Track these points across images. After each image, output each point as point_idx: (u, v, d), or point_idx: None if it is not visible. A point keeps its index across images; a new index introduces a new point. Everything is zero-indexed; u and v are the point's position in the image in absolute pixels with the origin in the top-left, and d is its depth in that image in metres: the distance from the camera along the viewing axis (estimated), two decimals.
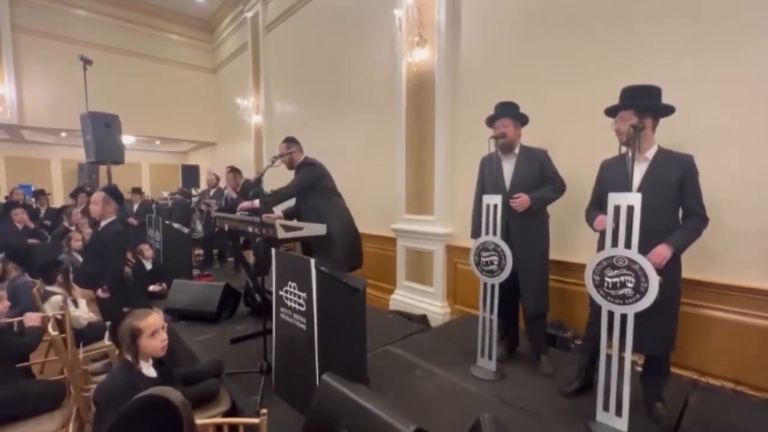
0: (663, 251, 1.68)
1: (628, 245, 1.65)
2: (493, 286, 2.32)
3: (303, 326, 1.93)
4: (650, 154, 1.81)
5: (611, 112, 1.88)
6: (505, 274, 2.25)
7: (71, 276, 2.99)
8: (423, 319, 3.43)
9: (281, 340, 2.14)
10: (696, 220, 1.76)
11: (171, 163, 10.98)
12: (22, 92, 6.87)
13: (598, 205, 1.98)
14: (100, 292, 2.83)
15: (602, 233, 1.88)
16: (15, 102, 6.75)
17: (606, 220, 1.72)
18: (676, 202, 1.79)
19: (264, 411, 1.20)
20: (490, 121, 2.45)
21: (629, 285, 1.65)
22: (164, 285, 3.95)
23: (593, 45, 2.63)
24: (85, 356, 2.54)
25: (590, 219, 1.98)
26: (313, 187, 2.84)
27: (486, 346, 2.36)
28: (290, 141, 2.95)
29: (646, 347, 1.81)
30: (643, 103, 1.78)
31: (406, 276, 3.85)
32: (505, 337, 2.59)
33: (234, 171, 4.90)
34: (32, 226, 4.83)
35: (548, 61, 2.86)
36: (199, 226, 5.99)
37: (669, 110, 1.80)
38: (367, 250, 4.45)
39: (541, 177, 2.37)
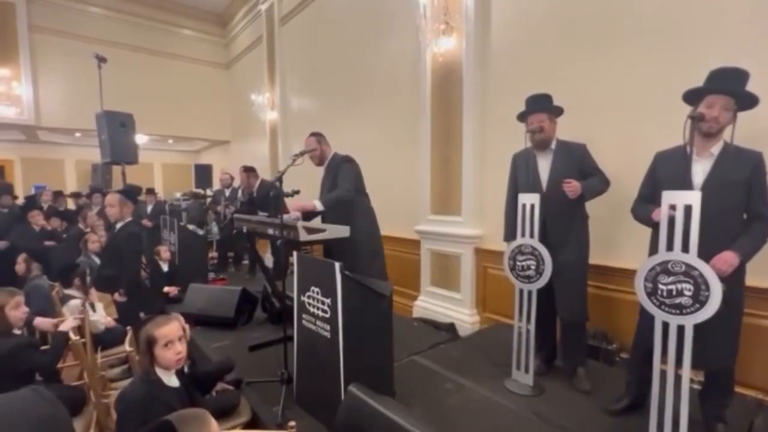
0: (730, 258, 1.60)
1: (685, 249, 1.58)
2: (530, 292, 2.27)
3: (327, 334, 1.94)
4: (716, 149, 1.72)
5: (697, 95, 1.71)
6: (544, 280, 2.21)
7: (88, 279, 3.11)
8: (450, 328, 3.40)
9: (303, 348, 2.16)
10: (763, 224, 1.67)
11: (184, 163, 11.30)
12: (38, 92, 7.23)
13: (649, 201, 1.90)
14: (116, 296, 2.93)
15: (654, 236, 1.81)
16: (32, 103, 7.11)
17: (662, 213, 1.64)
18: (743, 205, 1.70)
19: (292, 423, 1.21)
20: (522, 117, 2.41)
21: (687, 293, 1.58)
22: (175, 288, 4.07)
23: (636, 28, 2.53)
24: (103, 361, 2.64)
25: (642, 213, 1.89)
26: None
27: (522, 358, 2.32)
28: (320, 135, 3.03)
29: (705, 362, 1.73)
30: (740, 90, 1.63)
31: (431, 281, 3.83)
32: (543, 348, 2.53)
33: (248, 170, 4.93)
34: (49, 228, 5.06)
35: (586, 47, 2.78)
36: (214, 228, 6.13)
37: (753, 101, 1.67)
38: (388, 254, 4.44)
39: (581, 174, 2.31)
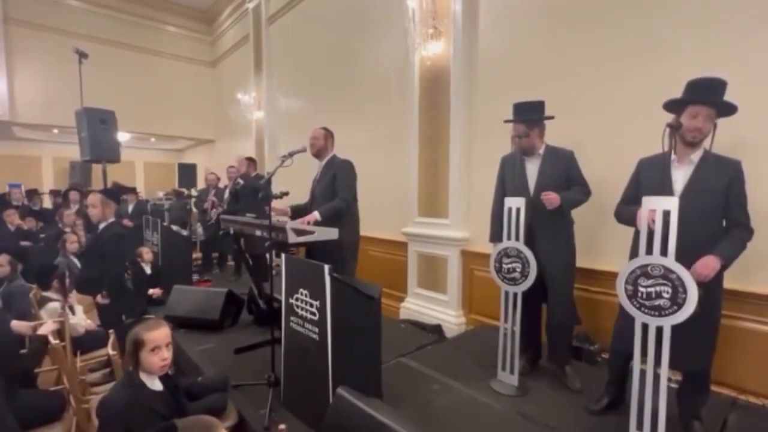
0: (712, 262, 1.65)
1: (664, 253, 1.64)
2: (515, 295, 2.32)
3: (315, 336, 1.94)
4: (696, 157, 1.78)
5: (680, 105, 1.76)
6: (529, 282, 2.25)
7: (67, 281, 3.03)
8: (437, 329, 3.43)
9: (291, 351, 2.16)
10: (741, 231, 1.73)
11: (166, 162, 11.09)
12: (13, 87, 6.99)
13: (631, 205, 1.96)
14: (99, 298, 2.87)
15: (635, 240, 1.87)
16: (6, 97, 6.88)
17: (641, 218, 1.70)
18: (721, 211, 1.76)
19: (282, 426, 1.21)
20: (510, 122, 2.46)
21: (665, 295, 1.64)
22: (159, 290, 4.01)
23: (621, 35, 2.61)
24: (83, 365, 2.57)
25: (626, 214, 1.94)
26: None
27: (507, 358, 2.36)
28: (330, 132, 3.11)
29: (683, 362, 1.79)
30: (722, 101, 1.69)
31: (418, 283, 3.86)
32: (528, 348, 2.58)
33: (251, 160, 5.16)
34: (25, 227, 4.91)
35: (574, 54, 2.85)
36: (199, 229, 6.04)
37: (732, 110, 1.74)
38: (376, 255, 4.49)
39: (567, 180, 2.37)
